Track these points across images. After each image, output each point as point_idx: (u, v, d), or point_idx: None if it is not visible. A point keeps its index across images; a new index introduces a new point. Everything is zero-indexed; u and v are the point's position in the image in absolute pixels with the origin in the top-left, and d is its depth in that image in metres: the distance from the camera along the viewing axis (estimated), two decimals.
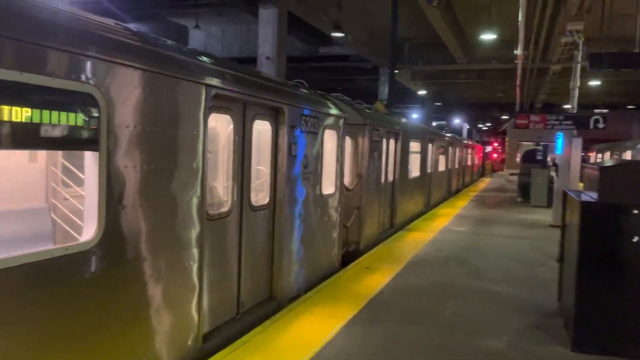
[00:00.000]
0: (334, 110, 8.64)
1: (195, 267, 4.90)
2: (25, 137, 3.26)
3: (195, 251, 4.89)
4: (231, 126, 5.81)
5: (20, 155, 5.45)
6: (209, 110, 5.04)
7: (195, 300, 4.93)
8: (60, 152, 5.59)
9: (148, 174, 4.23)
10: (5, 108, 3.08)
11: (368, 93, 34.86)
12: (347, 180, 10.48)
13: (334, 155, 8.79)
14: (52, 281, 3.40)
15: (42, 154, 5.72)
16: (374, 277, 8.58)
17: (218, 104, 5.35)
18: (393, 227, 13.50)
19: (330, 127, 8.40)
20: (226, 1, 21.26)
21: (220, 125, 6.29)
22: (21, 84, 3.13)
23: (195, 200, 4.85)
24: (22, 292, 3.21)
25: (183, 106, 4.63)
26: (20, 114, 3.19)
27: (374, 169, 11.30)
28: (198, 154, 4.87)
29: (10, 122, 3.11)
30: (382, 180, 12.23)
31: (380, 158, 11.85)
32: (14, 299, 3.17)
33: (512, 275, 9.21)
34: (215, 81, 5.07)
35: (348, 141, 10.66)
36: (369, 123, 10.80)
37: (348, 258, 10.02)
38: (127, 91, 3.96)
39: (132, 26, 4.62)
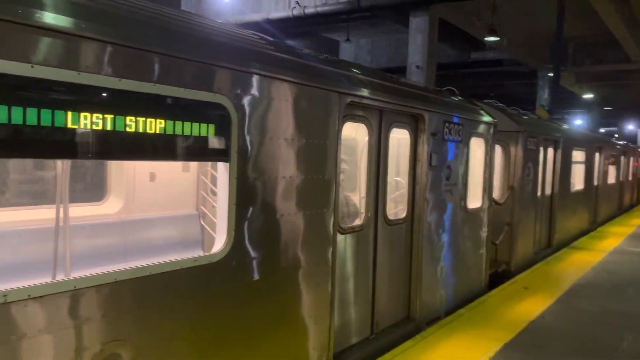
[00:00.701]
0: (482, 117, 7.93)
1: (326, 282, 4.69)
2: (160, 148, 3.31)
3: (326, 266, 4.68)
4: (366, 135, 5.54)
5: (175, 166, 5.77)
6: (342, 119, 4.83)
7: (326, 317, 4.71)
8: (209, 163, 5.79)
9: (278, 185, 4.12)
10: (141, 119, 3.15)
11: (523, 99, 32.40)
12: (496, 193, 9.60)
13: (482, 166, 8.06)
14: (179, 292, 3.40)
15: (193, 165, 6.00)
16: (531, 300, 7.68)
17: (352, 112, 5.12)
18: (551, 247, 12.11)
19: (477, 134, 7.72)
20: (377, 13, 21.26)
21: (356, 134, 6.06)
22: (154, 95, 3.18)
23: (327, 213, 4.65)
24: (154, 300, 3.25)
25: (315, 115, 4.47)
26: (155, 125, 3.25)
27: (528, 180, 10.22)
28: (331, 164, 4.66)
29: (145, 134, 3.16)
30: (538, 193, 11.02)
31: (537, 169, 10.69)
32: (149, 305, 3.21)
33: None
34: (348, 88, 4.84)
35: (499, 150, 9.78)
36: (523, 130, 9.79)
37: (497, 279, 9.13)
38: (256, 101, 3.89)
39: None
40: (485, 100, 10.35)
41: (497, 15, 19.96)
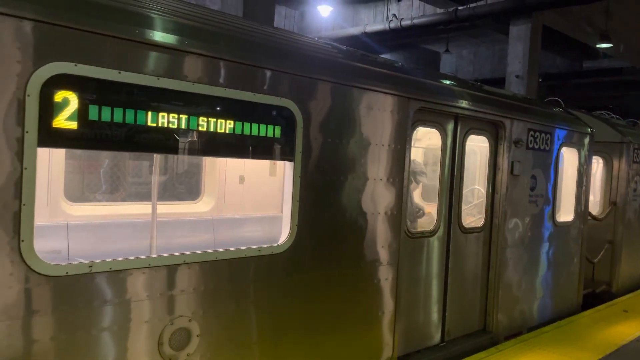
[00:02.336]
0: (575, 126, 7.53)
1: (389, 284, 4.77)
2: (232, 146, 3.65)
3: (391, 268, 4.77)
4: (440, 141, 5.55)
5: (262, 170, 6.17)
6: (413, 124, 4.91)
7: (390, 318, 4.79)
8: None
9: (341, 185, 4.30)
10: (212, 120, 3.51)
11: None
12: (595, 208, 8.99)
13: (575, 178, 7.63)
14: (242, 278, 3.70)
15: (280, 169, 6.37)
16: (630, 324, 7.11)
17: (424, 117, 5.17)
18: None
19: (569, 144, 7.34)
20: (476, 23, 20.80)
21: (428, 140, 6.08)
22: (226, 99, 3.53)
23: (393, 216, 4.75)
24: (219, 283, 3.57)
25: (382, 120, 4.60)
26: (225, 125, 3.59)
27: (635, 196, 9.44)
28: (399, 168, 4.76)
29: (216, 133, 3.52)
30: None
31: None
32: (214, 287, 3.54)
33: None
34: (419, 93, 4.92)
35: (599, 162, 9.17)
36: (628, 141, 9.09)
37: (595, 300, 8.53)
38: (321, 104, 4.12)
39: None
40: (598, 112, 9.77)
41: (612, 20, 18.63)
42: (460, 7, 16.22)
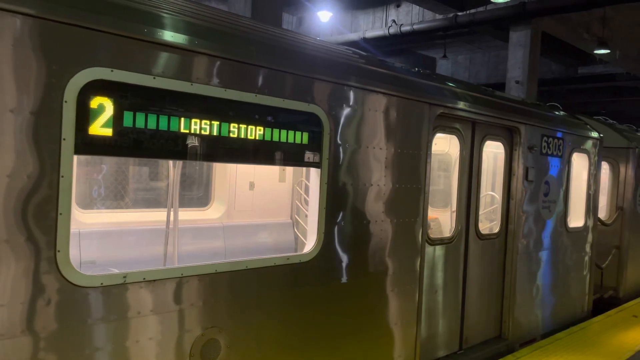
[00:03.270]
0: (585, 131, 7.55)
1: (413, 291, 4.73)
2: (261, 153, 3.59)
3: (414, 275, 4.73)
4: (458, 147, 5.53)
5: (272, 176, 6.11)
6: (433, 130, 4.88)
7: (412, 326, 4.74)
8: (303, 174, 6.06)
9: (367, 192, 4.26)
10: (242, 126, 3.46)
11: None
12: (603, 214, 9.01)
13: (585, 183, 7.64)
14: (271, 286, 3.64)
15: (289, 176, 6.31)
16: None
17: (443, 123, 5.15)
18: None
19: (580, 150, 7.35)
20: (475, 29, 20.89)
21: (449, 146, 6.05)
22: (256, 105, 3.48)
23: (415, 222, 4.71)
24: (249, 292, 3.50)
25: (405, 125, 4.57)
26: (254, 132, 3.54)
27: None
28: (420, 174, 4.73)
29: (246, 140, 3.46)
30: None
31: None
32: (244, 296, 3.48)
33: None
34: (439, 99, 4.89)
35: (606, 168, 9.20)
36: (635, 147, 9.13)
37: (603, 306, 8.53)
38: (347, 110, 4.08)
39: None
40: (595, 117, 9.81)
41: (608, 28, 18.80)
42: (460, 13, 16.27)
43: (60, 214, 2.62)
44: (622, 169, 9.12)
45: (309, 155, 3.87)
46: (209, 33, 3.28)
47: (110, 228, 4.96)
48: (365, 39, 19.28)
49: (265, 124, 3.55)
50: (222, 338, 3.36)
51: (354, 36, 19.43)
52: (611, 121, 10.05)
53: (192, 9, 3.43)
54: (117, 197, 5.85)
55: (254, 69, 3.45)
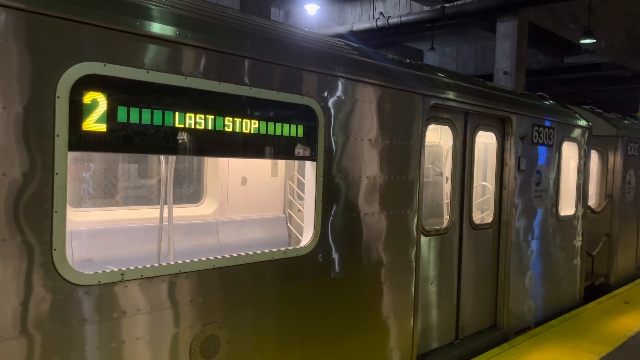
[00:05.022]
0: (575, 120, 7.61)
1: (410, 283, 4.74)
2: (255, 146, 3.56)
3: (409, 266, 4.73)
4: (451, 138, 5.53)
5: (264, 171, 6.07)
6: (426, 121, 4.88)
7: (409, 318, 4.75)
8: (295, 168, 6.04)
9: (363, 184, 4.25)
10: (237, 120, 3.42)
11: (625, 105, 30.22)
12: (593, 202, 9.10)
13: (576, 172, 7.71)
14: (269, 281, 3.62)
15: (281, 170, 6.28)
16: (632, 315, 7.20)
17: (437, 114, 5.15)
18: None
19: (570, 139, 7.40)
20: (463, 20, 20.93)
21: (442, 137, 6.06)
22: (251, 98, 3.44)
23: (410, 214, 4.71)
24: (247, 286, 3.48)
25: (398, 117, 4.56)
26: (249, 125, 3.51)
27: (629, 188, 9.58)
28: (414, 166, 4.73)
29: (240, 133, 3.43)
30: None
31: (639, 176, 10.00)
32: (243, 292, 3.45)
33: None
34: (432, 90, 4.89)
35: (596, 156, 9.28)
36: (623, 135, 9.22)
37: (594, 293, 8.63)
38: (341, 103, 4.06)
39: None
40: (583, 106, 9.89)
41: (594, 17, 18.94)
42: (447, 5, 16.28)
43: (56, 211, 2.58)
44: (611, 157, 9.20)
45: (304, 148, 3.85)
46: (202, 26, 3.23)
47: (102, 226, 4.91)
48: (352, 32, 19.23)
49: (260, 118, 3.52)
50: (221, 334, 3.33)
51: (341, 29, 19.37)
52: (599, 110, 10.14)
53: (184, 1, 3.38)
54: (108, 195, 5.79)
55: (248, 62, 3.41)
